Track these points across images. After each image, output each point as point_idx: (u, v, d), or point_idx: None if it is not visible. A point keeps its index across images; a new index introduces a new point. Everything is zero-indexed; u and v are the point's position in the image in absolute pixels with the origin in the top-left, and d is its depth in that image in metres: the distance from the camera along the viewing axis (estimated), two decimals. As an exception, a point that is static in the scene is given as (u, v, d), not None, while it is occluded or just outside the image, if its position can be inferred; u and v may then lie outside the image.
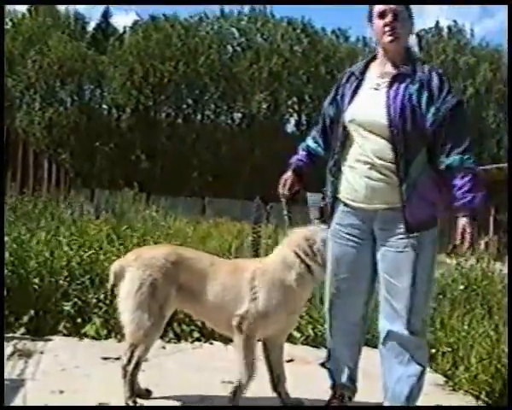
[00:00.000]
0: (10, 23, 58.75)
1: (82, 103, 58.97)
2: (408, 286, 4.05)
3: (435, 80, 4.05)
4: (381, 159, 4.04)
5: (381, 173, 4.05)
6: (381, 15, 4.14)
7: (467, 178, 3.88)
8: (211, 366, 5.52)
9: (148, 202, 14.95)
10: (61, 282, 6.62)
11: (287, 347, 5.29)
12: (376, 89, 4.17)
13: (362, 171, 4.11)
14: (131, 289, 4.34)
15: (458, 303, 7.09)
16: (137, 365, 4.35)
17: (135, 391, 4.36)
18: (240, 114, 61.65)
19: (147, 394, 4.55)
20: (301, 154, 4.61)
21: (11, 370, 5.04)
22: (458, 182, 3.90)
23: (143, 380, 4.61)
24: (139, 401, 4.32)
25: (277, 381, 4.61)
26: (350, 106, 4.21)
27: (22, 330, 6.13)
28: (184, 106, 61.13)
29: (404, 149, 3.97)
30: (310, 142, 4.61)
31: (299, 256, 4.42)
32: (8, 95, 52.88)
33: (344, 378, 4.60)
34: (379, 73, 4.23)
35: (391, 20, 4.10)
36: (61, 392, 4.55)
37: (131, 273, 4.38)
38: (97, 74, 58.64)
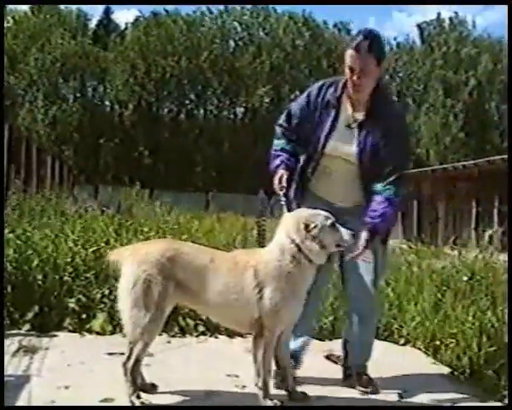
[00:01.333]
0: (12, 21, 58.75)
1: (85, 100, 59.02)
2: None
3: (390, 124, 4.74)
4: (353, 174, 4.85)
5: (353, 182, 4.86)
6: (350, 70, 4.66)
7: (381, 206, 4.66)
8: (216, 360, 5.53)
9: (152, 198, 14.98)
10: (65, 278, 6.64)
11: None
12: (349, 126, 4.82)
13: (342, 180, 4.90)
14: (127, 287, 4.33)
15: (463, 294, 7.09)
16: (137, 362, 4.34)
17: (138, 387, 4.36)
18: (242, 109, 61.67)
19: (152, 388, 4.54)
20: (286, 156, 4.90)
21: (16, 366, 5.05)
22: (374, 204, 4.69)
23: (149, 375, 4.62)
24: (144, 396, 4.32)
25: (284, 375, 4.61)
26: (330, 141, 4.83)
27: (27, 326, 6.14)
28: (187, 101, 61.17)
29: (367, 174, 4.78)
30: (292, 147, 4.97)
31: (294, 242, 4.36)
32: (10, 92, 52.93)
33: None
34: (350, 110, 4.83)
35: (358, 76, 4.63)
36: (67, 387, 4.55)
37: (126, 270, 4.36)
38: (100, 71, 58.66)
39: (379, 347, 6.21)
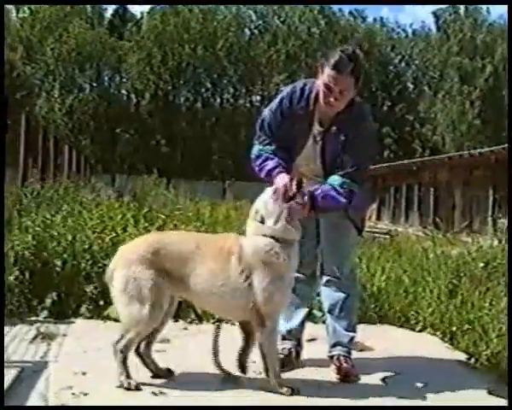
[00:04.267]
0: (28, 11, 58.95)
1: (101, 89, 59.20)
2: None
3: (354, 133, 4.60)
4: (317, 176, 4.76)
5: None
6: (328, 89, 4.48)
7: (326, 186, 4.54)
8: (232, 347, 5.53)
9: (169, 187, 15.03)
10: (83, 265, 6.68)
11: (308, 326, 5.30)
12: (315, 141, 4.71)
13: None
14: (120, 289, 4.33)
15: (479, 281, 7.08)
16: (127, 347, 4.32)
17: (128, 367, 4.30)
18: (259, 97, 61.65)
19: (168, 374, 4.54)
20: (277, 160, 4.65)
21: (34, 353, 5.09)
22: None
23: (165, 360, 4.64)
24: (160, 382, 4.33)
25: (245, 356, 4.62)
26: (300, 155, 4.77)
27: (45, 313, 6.20)
28: (203, 90, 61.20)
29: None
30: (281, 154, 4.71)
31: (264, 235, 4.35)
32: (27, 82, 53.17)
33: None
34: (318, 120, 4.70)
35: (335, 98, 4.50)
36: (84, 373, 4.57)
37: (117, 274, 4.37)
38: (116, 60, 58.80)
39: (395, 333, 6.23)
